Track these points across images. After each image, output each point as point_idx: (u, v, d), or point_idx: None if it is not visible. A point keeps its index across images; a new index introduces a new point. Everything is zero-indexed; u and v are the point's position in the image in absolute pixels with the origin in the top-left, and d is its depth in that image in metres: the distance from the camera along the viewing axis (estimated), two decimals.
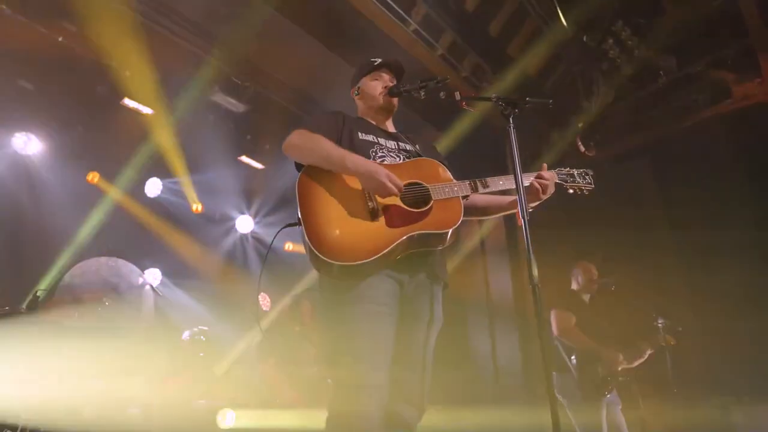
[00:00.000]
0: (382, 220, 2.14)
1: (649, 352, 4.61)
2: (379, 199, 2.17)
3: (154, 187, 6.88)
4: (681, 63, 6.15)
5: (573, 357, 4.56)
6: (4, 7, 5.12)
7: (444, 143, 6.20)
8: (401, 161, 2.41)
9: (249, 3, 5.29)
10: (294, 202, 2.20)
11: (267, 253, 2.67)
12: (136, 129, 6.37)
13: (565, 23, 5.45)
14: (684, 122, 6.46)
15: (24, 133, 5.78)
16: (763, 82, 5.87)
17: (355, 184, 2.22)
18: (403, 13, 5.78)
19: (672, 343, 4.59)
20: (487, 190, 2.36)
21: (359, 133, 2.42)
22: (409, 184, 2.24)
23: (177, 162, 6.71)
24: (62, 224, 5.20)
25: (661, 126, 6.70)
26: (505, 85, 6.43)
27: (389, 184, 2.12)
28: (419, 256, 2.22)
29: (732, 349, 5.44)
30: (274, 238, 2.36)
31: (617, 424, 4.42)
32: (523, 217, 2.01)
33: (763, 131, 5.65)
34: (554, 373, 4.67)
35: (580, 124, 6.74)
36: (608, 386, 4.46)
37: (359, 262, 2.04)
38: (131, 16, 5.34)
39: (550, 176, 2.45)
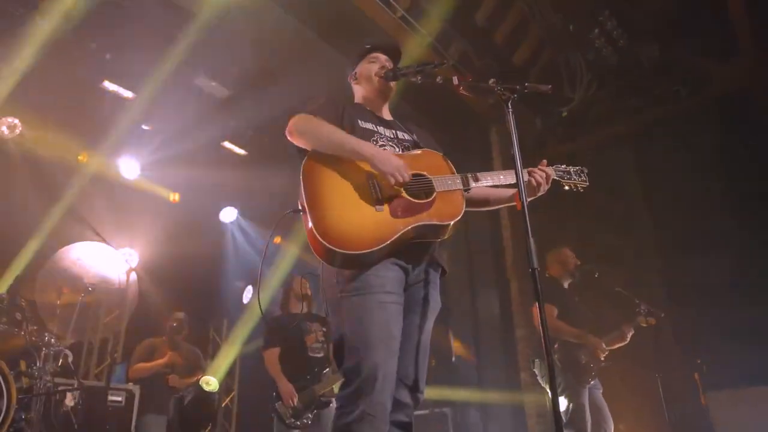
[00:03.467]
0: (386, 210, 2.13)
1: (630, 333, 4.69)
2: (384, 190, 2.16)
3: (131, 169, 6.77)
4: (664, 51, 6.21)
5: (556, 345, 4.63)
6: None
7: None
8: (400, 151, 2.39)
9: None
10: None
11: (267, 243, 2.63)
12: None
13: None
14: (666, 110, 6.53)
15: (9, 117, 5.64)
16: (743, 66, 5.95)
17: (359, 172, 2.19)
18: None
19: (652, 323, 4.69)
20: (482, 185, 2.36)
21: (359, 121, 2.40)
22: (413, 175, 2.22)
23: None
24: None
25: (643, 114, 6.78)
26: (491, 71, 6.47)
27: (399, 175, 2.11)
28: (422, 245, 2.22)
29: (709, 338, 5.56)
30: (276, 224, 2.32)
31: (599, 406, 4.52)
32: (523, 202, 2.02)
33: (744, 119, 5.75)
34: (536, 360, 4.77)
35: (564, 113, 6.79)
36: (591, 373, 4.55)
37: (364, 252, 2.03)
38: None
39: (550, 172, 2.48)
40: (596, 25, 5.61)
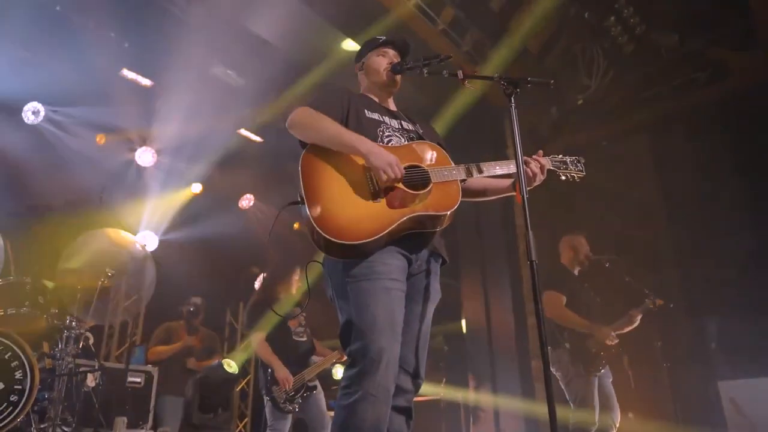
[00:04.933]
0: (383, 201, 2.18)
1: (639, 317, 4.70)
2: (381, 181, 2.21)
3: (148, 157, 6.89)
4: (682, 40, 6.13)
5: (565, 333, 4.67)
6: None
7: (441, 121, 6.22)
8: (405, 141, 2.44)
9: None
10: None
11: (270, 232, 2.72)
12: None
13: None
14: (683, 101, 6.47)
15: (33, 103, 5.78)
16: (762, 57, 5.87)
17: (357, 164, 2.24)
18: None
19: (660, 303, 4.67)
20: (482, 176, 2.41)
21: (366, 111, 2.44)
22: (410, 166, 2.27)
23: None
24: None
25: (660, 104, 6.72)
26: (506, 60, 6.48)
27: (391, 171, 2.15)
28: (423, 235, 2.27)
29: (723, 328, 5.58)
30: (277, 217, 2.37)
31: (608, 395, 4.57)
32: (523, 195, 2.06)
33: (759, 111, 5.68)
34: (548, 348, 4.80)
35: (580, 101, 6.74)
36: (601, 362, 4.60)
37: (361, 242, 2.09)
38: None
39: (545, 163, 2.51)
40: (612, 13, 5.55)
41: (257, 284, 7.94)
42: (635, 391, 5.26)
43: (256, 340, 4.48)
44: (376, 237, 2.10)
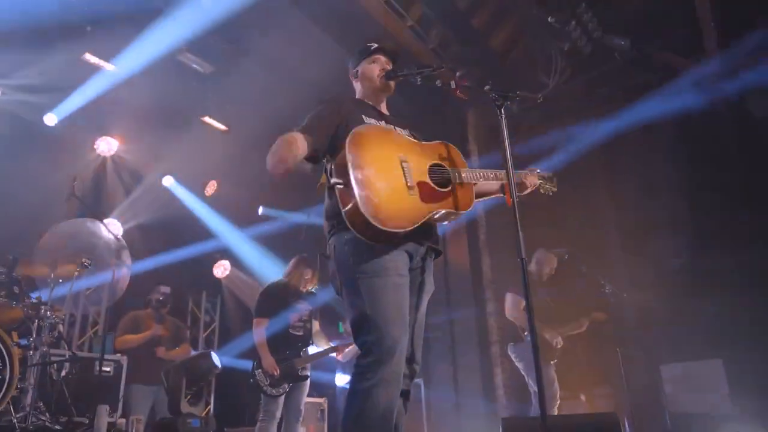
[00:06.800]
0: (416, 194, 2.34)
1: (586, 324, 5.30)
2: (413, 175, 2.36)
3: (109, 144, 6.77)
4: (634, 45, 6.48)
5: (525, 332, 5.05)
6: None
7: None
8: None
9: None
10: None
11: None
12: None
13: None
14: (633, 102, 6.85)
15: None
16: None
17: (394, 156, 2.37)
18: None
19: (602, 318, 5.32)
20: (481, 180, 2.62)
21: (364, 117, 2.56)
22: (435, 164, 2.46)
23: None
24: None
25: (612, 104, 7.08)
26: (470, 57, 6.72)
27: None
28: (427, 229, 2.44)
29: (661, 316, 6.02)
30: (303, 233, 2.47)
31: (552, 377, 5.05)
32: (513, 199, 2.26)
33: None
34: (511, 343, 5.23)
35: (540, 99, 7.00)
36: (556, 352, 5.10)
37: (398, 230, 2.22)
38: None
39: (535, 179, 2.89)
40: (574, 17, 5.84)
41: (216, 273, 8.03)
42: (587, 374, 5.67)
43: (257, 324, 4.61)
44: (412, 227, 2.26)
